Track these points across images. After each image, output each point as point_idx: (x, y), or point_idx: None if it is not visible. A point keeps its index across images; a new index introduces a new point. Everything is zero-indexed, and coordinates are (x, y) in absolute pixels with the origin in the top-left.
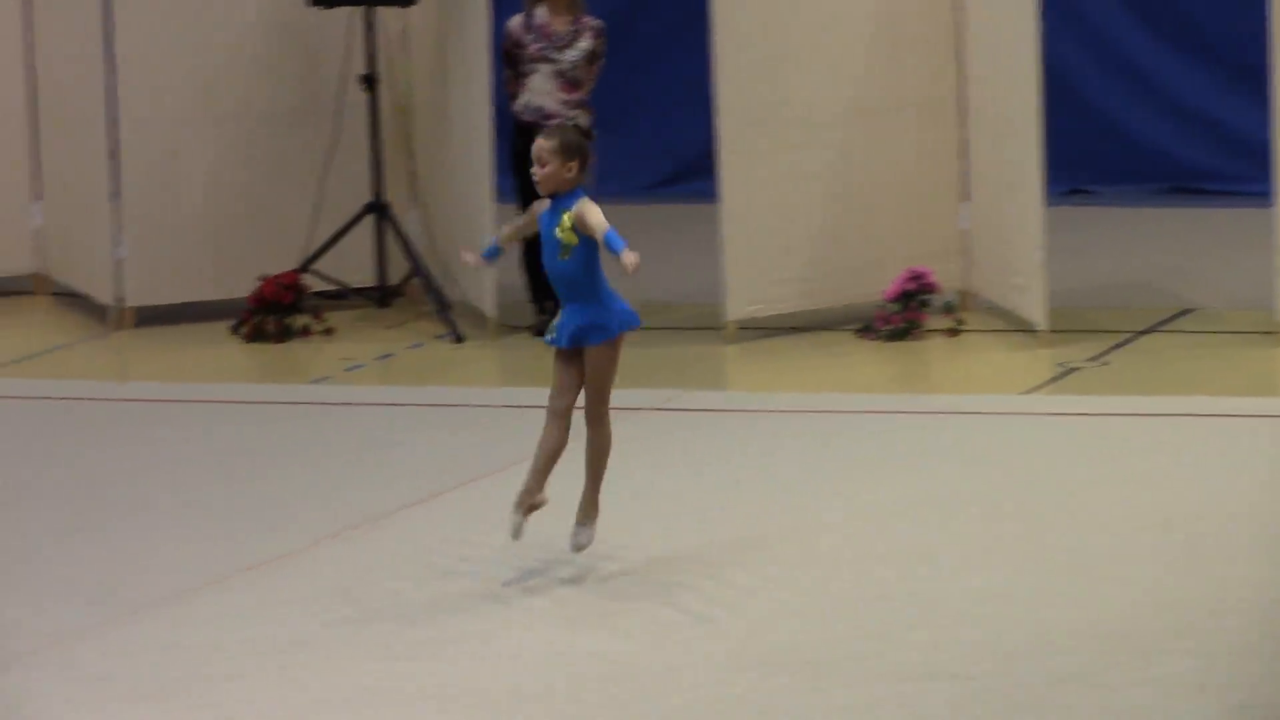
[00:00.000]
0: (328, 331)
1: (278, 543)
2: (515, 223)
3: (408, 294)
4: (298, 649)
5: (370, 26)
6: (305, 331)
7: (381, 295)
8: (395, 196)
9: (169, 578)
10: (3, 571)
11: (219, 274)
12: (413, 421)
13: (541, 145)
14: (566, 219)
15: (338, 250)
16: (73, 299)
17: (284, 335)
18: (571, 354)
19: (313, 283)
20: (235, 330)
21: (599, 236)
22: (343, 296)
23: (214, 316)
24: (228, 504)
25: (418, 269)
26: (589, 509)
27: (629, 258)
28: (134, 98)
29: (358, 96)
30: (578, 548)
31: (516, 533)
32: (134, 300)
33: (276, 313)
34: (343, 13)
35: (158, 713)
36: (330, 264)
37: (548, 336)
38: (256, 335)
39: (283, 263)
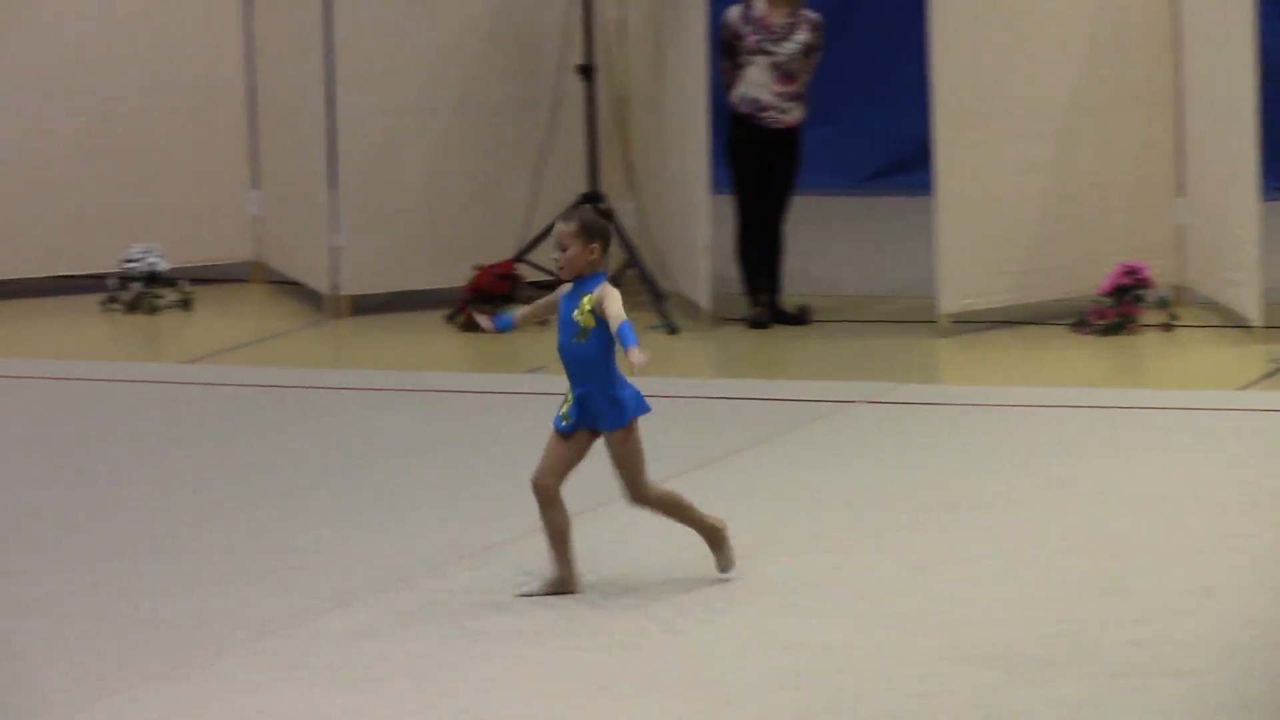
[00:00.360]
0: (542, 322)
1: (491, 531)
2: (536, 304)
3: (622, 284)
4: (511, 636)
5: (588, 17)
6: None
7: None
8: (611, 187)
9: (383, 565)
10: (220, 559)
11: (435, 263)
12: None
13: (562, 229)
14: (586, 302)
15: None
16: (289, 287)
17: None
18: (570, 436)
19: (528, 272)
20: (450, 319)
21: (613, 327)
22: (557, 286)
23: (429, 305)
24: (440, 492)
25: (633, 260)
26: (712, 540)
27: (637, 356)
28: (353, 87)
29: (575, 87)
30: (723, 569)
31: (525, 592)
32: (350, 289)
33: (491, 302)
34: (561, 2)
35: (365, 699)
36: (545, 254)
37: (561, 424)
38: (471, 325)
39: (498, 252)
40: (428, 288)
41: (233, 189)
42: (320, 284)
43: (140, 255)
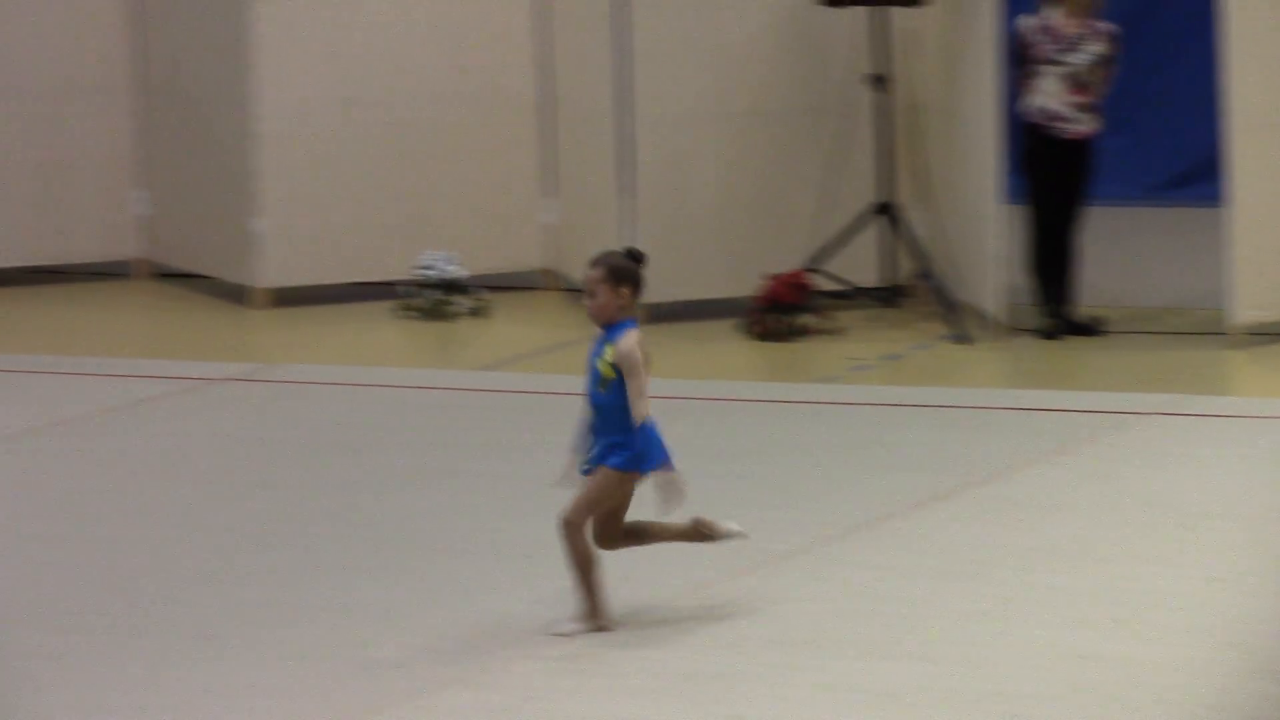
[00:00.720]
0: (834, 331)
1: (782, 540)
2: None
3: (914, 294)
4: (798, 646)
5: (881, 26)
6: (812, 330)
7: (888, 295)
8: (903, 196)
9: (673, 573)
10: (518, 563)
11: (728, 272)
12: (918, 421)
13: (589, 275)
14: (609, 352)
15: (845, 249)
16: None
17: (791, 334)
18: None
19: (820, 282)
20: (743, 328)
21: (635, 420)
22: (849, 296)
23: (722, 314)
24: (730, 501)
25: (924, 270)
26: (579, 613)
27: (664, 485)
28: (648, 94)
29: (867, 96)
30: (555, 630)
31: (558, 632)
32: (645, 297)
33: (784, 311)
34: (854, 12)
35: (652, 707)
36: (837, 263)
37: (582, 469)
38: (764, 334)
39: (791, 261)
40: (721, 296)
41: (526, 197)
42: None
43: (435, 262)
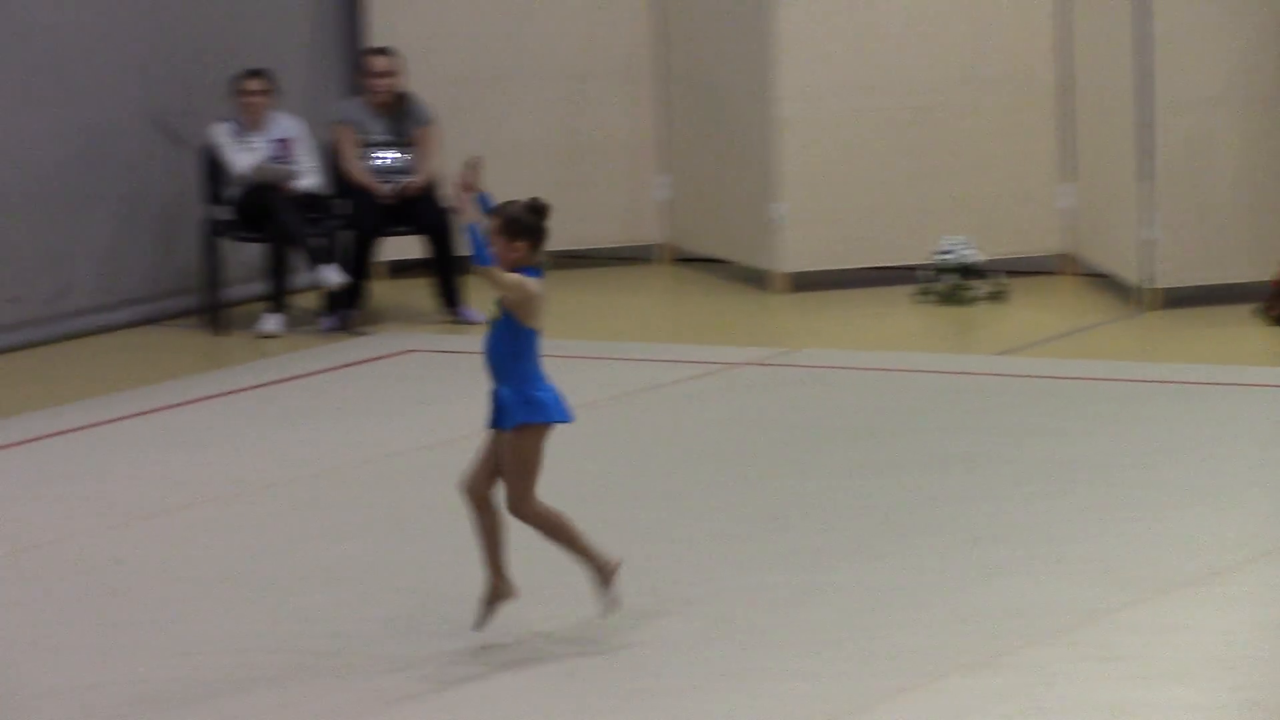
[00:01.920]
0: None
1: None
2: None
3: None
4: None
5: None
6: None
7: None
8: None
9: (1197, 557)
10: (1035, 549)
11: (1248, 255)
12: None
13: (488, 224)
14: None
15: None
16: (1100, 279)
17: None
18: (495, 436)
19: None
20: (1260, 312)
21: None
22: None
23: (1242, 299)
24: (1243, 487)
25: None
26: (600, 575)
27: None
28: (1170, 78)
29: None
30: (604, 611)
31: (478, 625)
32: (1163, 281)
33: None
34: None
35: (1178, 692)
36: None
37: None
38: None
39: None
40: (1242, 280)
41: (1043, 181)
42: (1131, 276)
43: (953, 247)
